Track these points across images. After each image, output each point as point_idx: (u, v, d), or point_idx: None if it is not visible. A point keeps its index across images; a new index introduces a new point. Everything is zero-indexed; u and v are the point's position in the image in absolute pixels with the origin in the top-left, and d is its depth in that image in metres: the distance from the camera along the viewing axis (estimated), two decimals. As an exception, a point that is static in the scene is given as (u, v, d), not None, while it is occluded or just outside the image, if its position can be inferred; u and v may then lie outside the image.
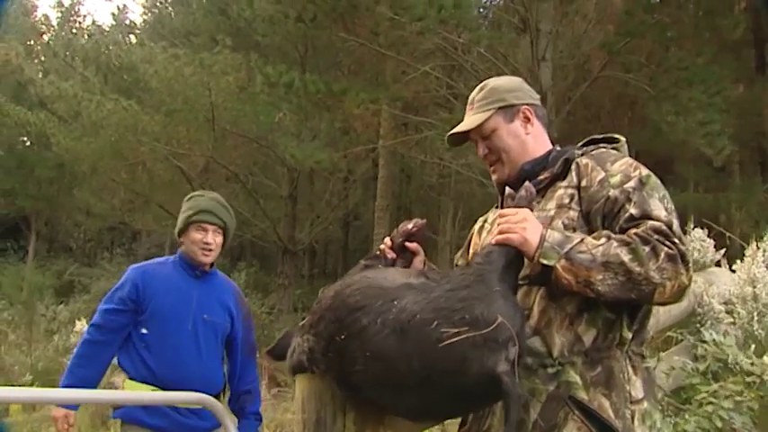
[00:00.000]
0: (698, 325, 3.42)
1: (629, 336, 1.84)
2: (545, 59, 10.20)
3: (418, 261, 2.09)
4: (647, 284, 1.66)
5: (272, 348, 2.01)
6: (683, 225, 3.88)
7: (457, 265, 2.24)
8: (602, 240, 1.70)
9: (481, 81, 2.13)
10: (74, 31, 31.64)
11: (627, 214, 1.76)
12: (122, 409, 3.13)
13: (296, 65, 13.69)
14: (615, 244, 1.68)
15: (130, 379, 3.15)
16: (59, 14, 32.80)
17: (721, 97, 10.26)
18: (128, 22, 30.28)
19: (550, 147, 2.06)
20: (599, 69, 11.38)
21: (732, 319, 3.56)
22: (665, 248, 1.66)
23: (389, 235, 2.15)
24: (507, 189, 1.91)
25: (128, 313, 3.16)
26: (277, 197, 16.14)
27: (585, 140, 2.08)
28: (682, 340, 3.44)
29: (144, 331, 3.15)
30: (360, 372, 1.56)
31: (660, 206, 1.77)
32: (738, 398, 2.67)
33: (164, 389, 3.07)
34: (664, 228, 1.70)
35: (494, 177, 2.06)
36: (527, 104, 2.04)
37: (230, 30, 15.17)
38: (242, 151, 15.10)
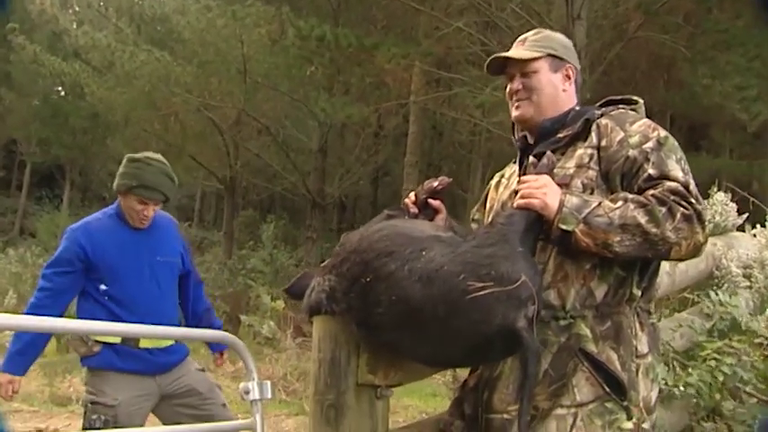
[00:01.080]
0: (714, 288, 3.44)
1: (639, 293, 1.91)
2: (580, 18, 10.01)
3: (440, 218, 2.15)
4: (664, 244, 1.73)
5: (289, 287, 2.08)
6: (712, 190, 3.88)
7: (473, 219, 2.31)
8: (619, 203, 1.75)
9: (514, 39, 2.17)
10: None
11: (645, 174, 1.81)
12: (93, 357, 3.15)
13: (328, 18, 13.59)
14: (632, 206, 1.73)
15: None
16: (94, -37, 32.73)
17: (760, 61, 10.01)
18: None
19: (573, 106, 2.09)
20: (635, 29, 11.17)
21: (749, 284, 3.57)
22: (682, 209, 1.72)
23: (414, 191, 2.20)
24: (531, 158, 1.99)
25: (75, 274, 3.16)
26: (307, 151, 16.16)
27: (603, 101, 2.12)
28: (698, 302, 3.46)
29: (103, 287, 3.16)
30: (383, 314, 1.65)
31: (677, 167, 1.81)
32: (745, 357, 2.71)
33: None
34: (680, 188, 1.75)
35: (514, 114, 2.08)
36: (573, 65, 2.08)
37: (263, -18, 15.07)
38: (273, 104, 15.09)
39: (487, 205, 2.25)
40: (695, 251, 1.78)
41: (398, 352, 1.81)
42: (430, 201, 2.15)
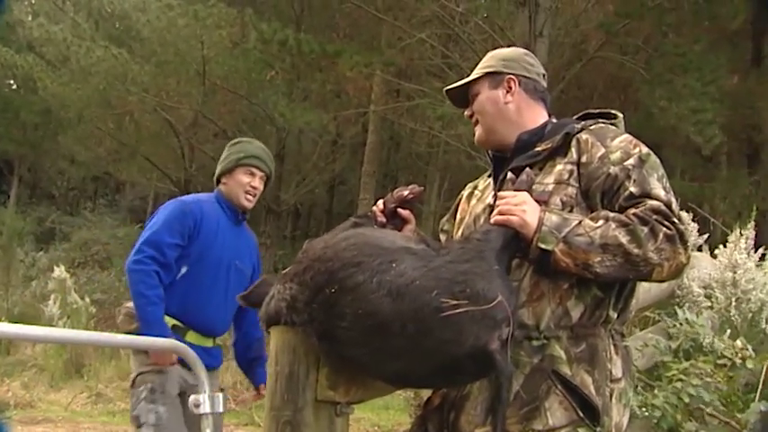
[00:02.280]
0: (676, 307, 3.46)
1: (615, 315, 1.86)
2: (542, 35, 10.11)
3: (408, 229, 2.09)
4: (646, 265, 1.68)
5: (246, 294, 1.99)
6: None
7: (442, 230, 2.24)
8: (600, 222, 1.70)
9: (477, 52, 2.17)
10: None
11: (627, 192, 1.76)
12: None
13: (291, 23, 13.51)
14: (613, 225, 1.68)
15: None
16: (52, -44, 32.13)
17: (715, 86, 10.26)
18: (122, -32, 29.75)
19: (545, 118, 2.05)
20: (595, 49, 11.35)
21: (710, 304, 3.60)
22: (664, 229, 1.68)
23: (383, 198, 2.14)
24: (509, 173, 1.92)
25: (181, 248, 3.10)
26: (264, 156, 16.02)
27: (582, 114, 2.08)
28: (659, 321, 3.47)
29: (184, 270, 3.12)
30: (347, 328, 1.56)
31: (659, 185, 1.77)
32: (709, 379, 2.71)
33: (185, 325, 3.10)
34: (663, 207, 1.71)
35: (474, 138, 2.11)
36: (515, 74, 2.03)
37: (226, -17, 14.95)
38: (231, 107, 14.94)
39: (458, 216, 2.17)
40: (677, 272, 1.75)
41: (361, 368, 1.71)
42: (399, 210, 2.08)
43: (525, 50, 2.17)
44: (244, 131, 15.03)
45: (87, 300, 10.85)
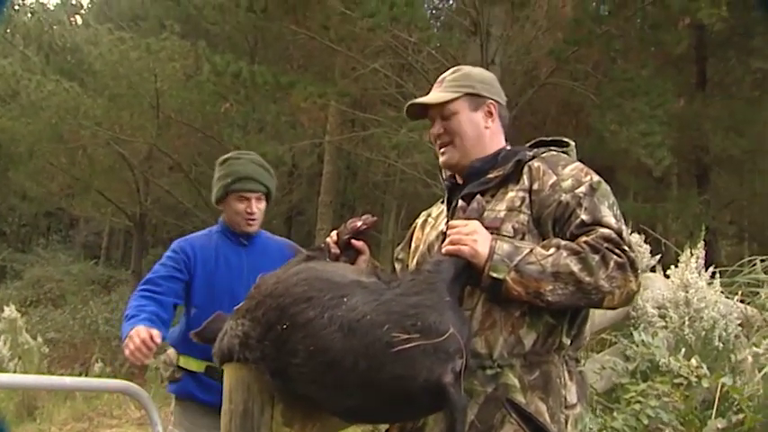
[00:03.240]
0: (631, 328, 3.50)
1: (568, 341, 1.85)
2: (494, 63, 10.26)
3: (362, 260, 2.06)
4: (597, 293, 1.68)
5: (200, 330, 1.96)
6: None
7: (397, 259, 2.22)
8: (552, 250, 1.70)
9: (430, 81, 2.12)
10: (16, 7, 30.57)
11: (578, 220, 1.76)
12: (175, 383, 2.94)
13: (245, 55, 13.55)
14: (565, 254, 1.69)
15: (180, 354, 2.96)
16: (1, -10, 31.68)
17: (663, 110, 10.50)
18: (73, 1, 29.44)
19: (503, 146, 2.04)
20: (546, 76, 11.55)
21: (664, 323, 3.65)
22: (615, 257, 1.68)
23: (336, 229, 2.11)
24: (460, 201, 1.90)
25: (181, 282, 2.91)
26: (220, 188, 15.90)
27: (534, 141, 2.07)
28: (615, 343, 3.50)
29: (194, 311, 2.94)
30: (300, 365, 1.54)
31: (610, 213, 1.78)
32: (666, 398, 2.74)
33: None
34: (614, 235, 1.72)
35: (441, 159, 2.02)
36: (495, 100, 2.02)
37: (179, 16, 14.87)
38: (186, 140, 14.85)
39: (413, 245, 2.15)
40: (628, 300, 1.75)
41: (316, 404, 1.69)
42: (353, 241, 2.06)
43: (492, 74, 2.13)
44: (199, 164, 14.96)
45: (40, 339, 10.58)
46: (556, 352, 1.83)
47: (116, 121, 13.91)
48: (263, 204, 3.06)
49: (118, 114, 13.85)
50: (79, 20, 22.10)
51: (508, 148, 2.03)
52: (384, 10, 9.43)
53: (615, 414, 2.72)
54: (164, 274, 2.89)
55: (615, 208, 1.81)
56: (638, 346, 3.20)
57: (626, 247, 1.71)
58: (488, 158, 1.97)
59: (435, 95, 2.01)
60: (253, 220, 3.02)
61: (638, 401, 2.71)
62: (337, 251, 2.05)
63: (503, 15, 10.72)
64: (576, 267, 1.67)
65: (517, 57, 12.11)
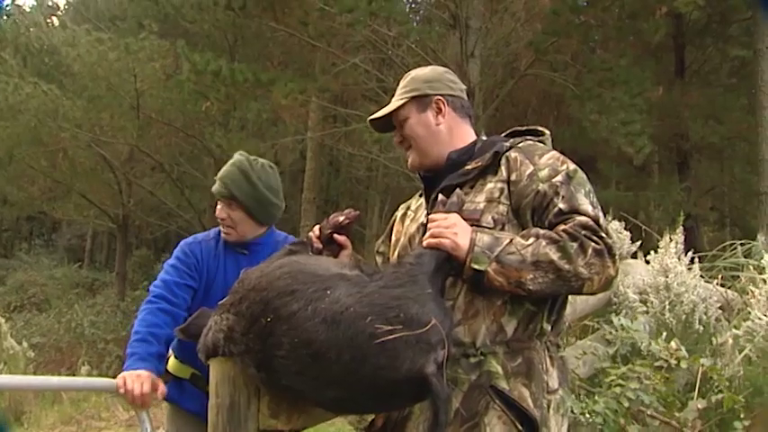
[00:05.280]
0: (613, 314, 3.54)
1: (549, 327, 1.88)
2: (473, 56, 10.31)
3: (345, 254, 2.08)
4: (577, 280, 1.72)
5: (185, 326, 1.97)
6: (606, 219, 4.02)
7: (378, 252, 2.24)
8: (531, 240, 1.73)
9: None
10: (-8, 11, 30.31)
11: (556, 209, 1.79)
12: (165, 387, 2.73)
13: (224, 53, 13.47)
14: (544, 243, 1.72)
15: (176, 357, 2.83)
16: (-24, -7, 31.37)
17: (642, 98, 10.60)
18: (50, 3, 29.18)
19: (473, 137, 2.07)
20: (526, 67, 11.62)
21: (645, 308, 3.70)
22: (593, 244, 1.72)
23: (319, 224, 2.13)
24: (439, 195, 1.91)
25: (192, 290, 2.75)
26: (202, 188, 15.76)
27: (509, 131, 2.10)
28: (598, 329, 3.55)
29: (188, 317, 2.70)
30: (284, 357, 1.56)
31: (587, 201, 1.81)
32: (647, 381, 2.78)
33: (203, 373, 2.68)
34: (591, 223, 1.75)
35: (408, 163, 2.08)
36: (442, 95, 2.04)
37: (157, 15, 14.74)
38: (167, 140, 14.78)
39: (393, 238, 2.18)
40: (607, 285, 1.78)
41: (301, 396, 1.70)
42: (335, 236, 2.08)
43: (444, 68, 2.17)
44: (181, 164, 14.90)
45: (25, 344, 10.51)
46: (537, 338, 1.86)
47: (96, 122, 13.84)
48: (236, 213, 2.79)
49: (98, 116, 13.77)
50: (56, 21, 21.85)
51: (484, 138, 2.06)
52: (363, 5, 9.44)
53: (597, 397, 2.76)
54: (178, 281, 2.75)
55: (592, 195, 1.85)
56: (617, 330, 3.24)
57: (603, 234, 1.74)
58: (464, 149, 2.01)
59: (386, 108, 2.07)
60: (226, 226, 2.81)
61: (619, 384, 2.75)
62: (320, 246, 2.06)
63: (481, 8, 10.77)
64: (555, 256, 1.70)
65: (497, 49, 12.16)
